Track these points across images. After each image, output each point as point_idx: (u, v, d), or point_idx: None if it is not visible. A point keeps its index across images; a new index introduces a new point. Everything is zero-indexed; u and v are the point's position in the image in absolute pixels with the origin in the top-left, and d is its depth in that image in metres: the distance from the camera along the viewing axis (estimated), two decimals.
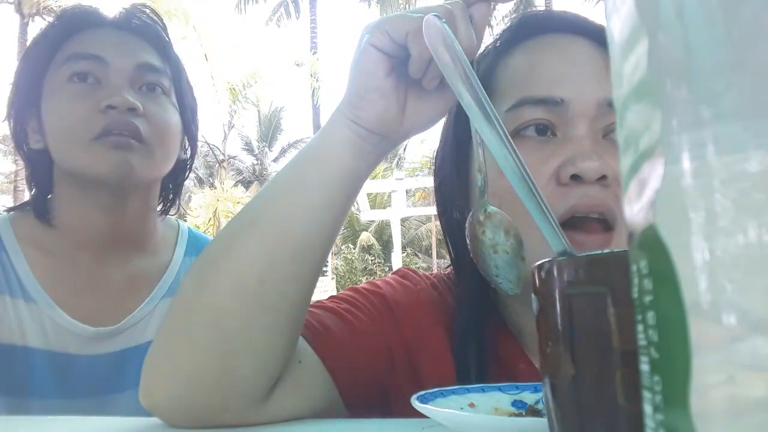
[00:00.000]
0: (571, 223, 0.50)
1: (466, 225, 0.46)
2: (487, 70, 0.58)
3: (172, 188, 0.91)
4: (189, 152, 0.90)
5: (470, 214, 0.46)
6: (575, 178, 0.50)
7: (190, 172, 0.94)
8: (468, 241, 0.46)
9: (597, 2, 13.80)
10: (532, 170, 0.41)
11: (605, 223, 0.51)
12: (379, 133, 0.48)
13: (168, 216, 0.92)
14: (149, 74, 0.81)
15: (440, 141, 0.64)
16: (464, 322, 0.59)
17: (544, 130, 0.53)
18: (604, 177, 0.49)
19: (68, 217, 0.80)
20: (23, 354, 0.74)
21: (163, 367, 0.48)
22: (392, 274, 0.67)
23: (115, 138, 0.75)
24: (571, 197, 0.50)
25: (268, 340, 0.48)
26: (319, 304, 0.59)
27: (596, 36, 0.55)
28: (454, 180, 0.59)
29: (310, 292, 0.50)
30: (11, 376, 0.73)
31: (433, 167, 0.65)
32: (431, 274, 0.67)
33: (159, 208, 0.89)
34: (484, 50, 0.61)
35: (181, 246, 0.90)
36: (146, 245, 0.85)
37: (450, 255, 0.63)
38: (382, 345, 0.58)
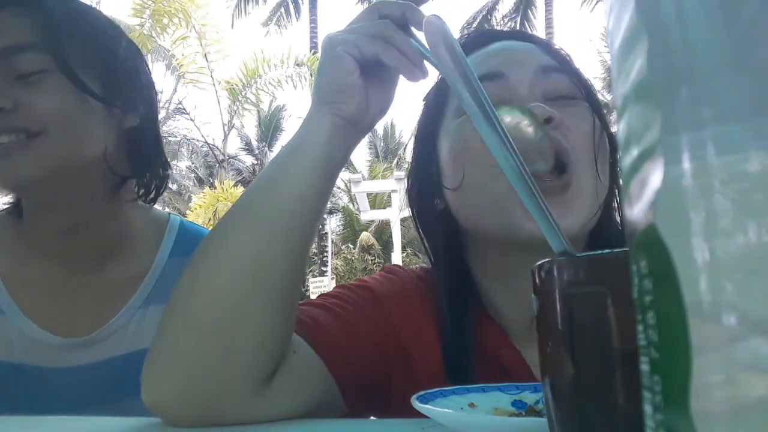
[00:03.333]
0: None
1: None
2: (443, 81, 0.67)
3: (141, 167, 0.78)
4: (139, 115, 0.76)
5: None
6: (528, 114, 0.56)
7: (159, 143, 0.80)
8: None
9: (596, 3, 13.81)
10: None
11: (562, 165, 0.57)
12: (354, 122, 0.55)
13: (158, 210, 0.84)
14: (15, 61, 0.67)
15: (413, 148, 0.70)
16: (447, 310, 0.62)
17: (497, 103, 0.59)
18: (550, 119, 0.56)
19: (29, 222, 0.74)
20: None
21: (164, 357, 0.49)
22: (380, 271, 0.70)
23: None
24: None
25: (266, 318, 0.50)
26: (308, 302, 0.62)
27: (540, 43, 0.66)
28: (430, 171, 0.66)
29: (303, 269, 0.55)
30: None
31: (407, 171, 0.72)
32: (417, 268, 0.71)
33: (137, 196, 0.79)
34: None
35: (167, 246, 0.80)
36: (120, 248, 0.77)
37: (426, 249, 0.68)
38: (372, 334, 0.60)
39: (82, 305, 0.75)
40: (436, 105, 0.67)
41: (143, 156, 0.78)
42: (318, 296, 0.64)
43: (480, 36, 0.69)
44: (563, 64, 0.63)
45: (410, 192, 0.69)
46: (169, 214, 0.86)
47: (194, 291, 0.50)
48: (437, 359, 0.60)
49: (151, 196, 0.81)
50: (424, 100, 0.70)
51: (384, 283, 0.66)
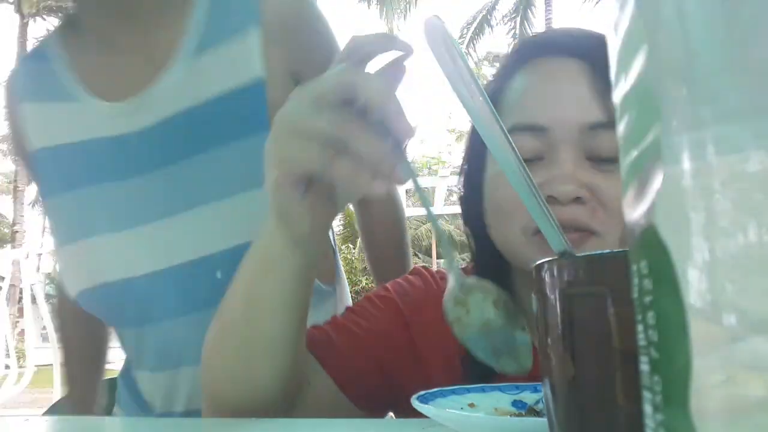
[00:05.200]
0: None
1: (444, 311, 0.42)
2: (495, 92, 0.61)
3: None
4: None
5: (444, 300, 0.42)
6: (551, 198, 0.53)
7: None
8: (454, 332, 0.41)
9: (596, 3, 13.81)
10: None
11: (577, 232, 0.54)
12: (311, 238, 0.49)
13: None
14: None
15: (463, 157, 0.68)
16: None
17: (532, 153, 0.56)
18: (578, 198, 0.53)
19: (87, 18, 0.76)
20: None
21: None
22: (408, 273, 0.70)
23: None
24: None
25: (268, 397, 0.53)
26: (328, 321, 0.64)
27: (590, 56, 0.57)
28: (475, 195, 0.63)
29: (294, 350, 0.53)
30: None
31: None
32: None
33: None
34: (495, 72, 0.65)
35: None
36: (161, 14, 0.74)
37: (471, 249, 0.66)
38: (387, 347, 0.61)
39: (139, 68, 0.73)
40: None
41: None
42: (344, 312, 0.65)
43: (527, 46, 0.62)
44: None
45: (461, 203, 0.67)
46: None
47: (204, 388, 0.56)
48: (455, 365, 0.60)
49: None
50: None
51: (407, 289, 0.66)
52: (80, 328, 0.95)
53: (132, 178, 0.72)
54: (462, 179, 0.67)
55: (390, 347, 0.61)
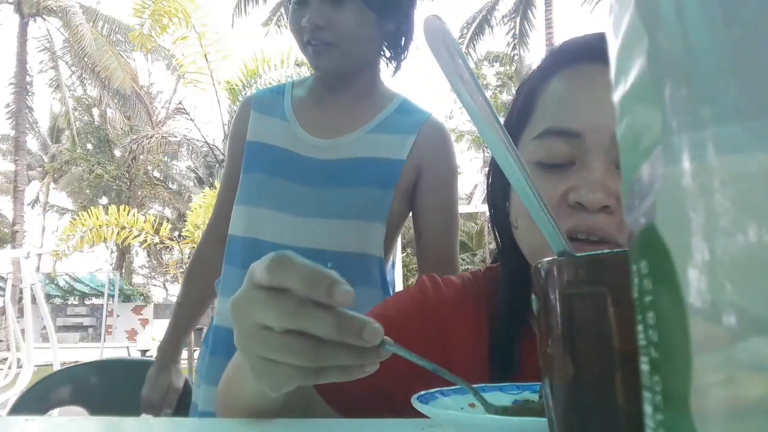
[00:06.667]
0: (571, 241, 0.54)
1: None
2: (529, 92, 0.62)
3: (395, 52, 1.16)
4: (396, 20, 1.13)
5: None
6: (579, 205, 0.53)
7: (408, 37, 1.16)
8: None
9: (596, 3, 13.80)
10: (545, 190, 0.48)
11: (604, 244, 0.54)
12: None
13: (391, 90, 1.18)
14: None
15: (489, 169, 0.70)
16: (506, 320, 0.63)
17: (563, 158, 0.57)
18: (606, 207, 0.53)
19: (319, 81, 1.17)
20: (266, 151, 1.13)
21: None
22: (414, 285, 0.71)
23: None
24: (573, 219, 0.54)
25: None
26: None
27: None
28: (503, 201, 0.65)
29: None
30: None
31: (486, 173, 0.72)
32: (459, 276, 0.72)
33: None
34: (528, 74, 0.66)
35: (396, 102, 1.15)
36: (368, 95, 1.14)
37: (498, 250, 0.68)
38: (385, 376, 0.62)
39: (335, 124, 1.11)
40: (510, 131, 0.63)
41: (397, 46, 1.17)
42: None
43: (568, 49, 0.63)
44: None
45: (489, 201, 0.68)
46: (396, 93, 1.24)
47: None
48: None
49: (398, 69, 1.20)
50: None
51: (407, 308, 0.67)
52: (201, 289, 1.25)
53: (303, 185, 1.07)
54: (489, 180, 0.68)
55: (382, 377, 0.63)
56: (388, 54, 1.16)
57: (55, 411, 1.28)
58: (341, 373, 0.41)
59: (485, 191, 0.69)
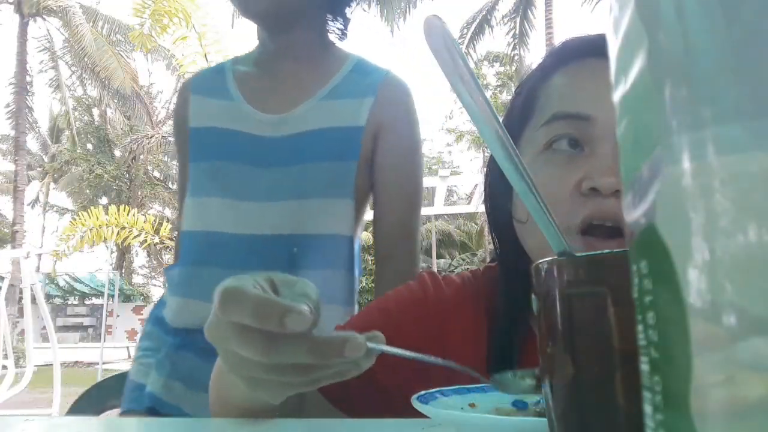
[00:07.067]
0: (587, 230, 0.55)
1: None
2: (531, 90, 0.62)
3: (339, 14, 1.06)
4: None
5: None
6: (593, 190, 0.54)
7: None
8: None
9: (596, 3, 13.79)
10: (558, 181, 0.49)
11: (618, 230, 0.54)
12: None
13: (344, 50, 1.08)
14: None
15: (487, 170, 0.69)
16: (506, 319, 0.63)
17: (573, 144, 0.57)
18: (618, 191, 0.53)
19: (261, 46, 1.07)
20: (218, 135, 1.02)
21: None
22: (415, 281, 0.70)
23: None
24: (588, 206, 0.54)
25: None
26: None
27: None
28: (504, 198, 0.64)
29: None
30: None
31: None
32: (459, 275, 0.71)
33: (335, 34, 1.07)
34: (529, 73, 0.66)
35: (350, 64, 1.04)
36: (316, 60, 1.04)
37: (496, 250, 0.67)
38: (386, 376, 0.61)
39: (285, 95, 1.01)
40: (511, 129, 0.64)
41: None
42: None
43: (571, 46, 0.63)
44: None
45: (486, 202, 0.67)
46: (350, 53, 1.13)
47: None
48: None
49: (343, 36, 1.09)
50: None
51: (406, 303, 0.67)
52: None
53: (257, 167, 0.97)
54: (488, 180, 0.67)
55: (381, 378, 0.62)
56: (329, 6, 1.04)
57: (113, 413, 1.27)
58: (336, 377, 0.42)
59: (484, 191, 0.69)
